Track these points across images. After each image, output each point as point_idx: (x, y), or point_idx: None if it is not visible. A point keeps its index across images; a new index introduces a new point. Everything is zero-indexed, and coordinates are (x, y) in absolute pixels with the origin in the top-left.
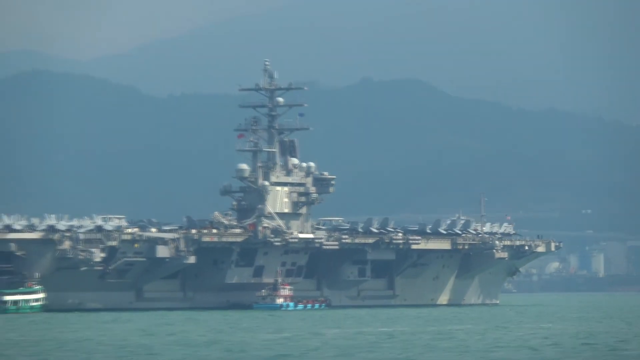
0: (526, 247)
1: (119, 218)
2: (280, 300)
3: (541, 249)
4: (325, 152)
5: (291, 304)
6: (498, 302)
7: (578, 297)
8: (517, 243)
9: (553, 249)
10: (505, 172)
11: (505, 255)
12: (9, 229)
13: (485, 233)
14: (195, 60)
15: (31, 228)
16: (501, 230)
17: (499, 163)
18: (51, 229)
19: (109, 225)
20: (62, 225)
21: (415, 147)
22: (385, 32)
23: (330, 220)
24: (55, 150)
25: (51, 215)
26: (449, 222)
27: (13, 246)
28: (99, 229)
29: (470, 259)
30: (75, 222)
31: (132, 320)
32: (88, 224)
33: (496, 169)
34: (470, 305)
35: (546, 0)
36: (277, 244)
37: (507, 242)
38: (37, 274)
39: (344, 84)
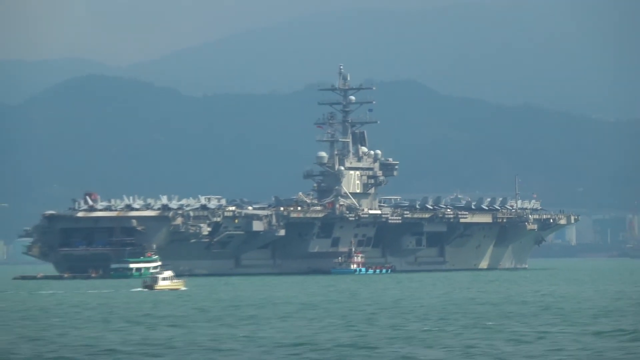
0: (551, 220)
1: (218, 198)
2: (354, 266)
3: (563, 221)
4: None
5: (363, 269)
6: (527, 266)
7: (565, 262)
8: (544, 217)
9: (572, 221)
10: (488, 159)
11: (535, 227)
12: (129, 207)
13: (519, 208)
14: (234, 63)
15: (148, 207)
16: (530, 206)
17: (483, 152)
18: (165, 207)
19: (212, 204)
20: (174, 204)
21: (413, 139)
22: (384, 39)
23: (390, 198)
24: (148, 141)
25: (163, 196)
26: (489, 199)
27: (134, 222)
28: (204, 207)
29: (506, 230)
30: (184, 202)
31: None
32: (194, 203)
33: (481, 157)
34: (506, 269)
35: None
36: (351, 218)
37: (537, 216)
38: (154, 245)
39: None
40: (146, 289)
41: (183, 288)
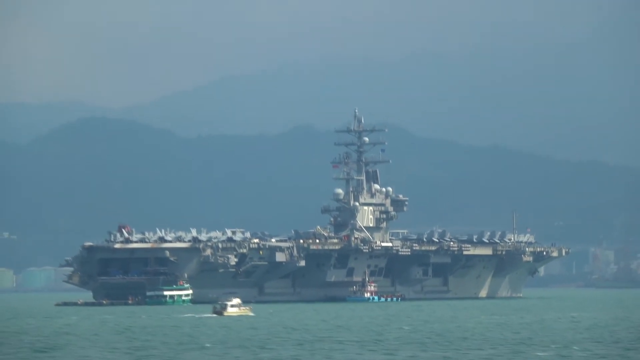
0: (545, 253)
1: (242, 231)
2: (367, 295)
3: (555, 254)
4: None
5: (375, 297)
6: (521, 295)
7: (541, 292)
8: (539, 249)
9: (564, 254)
10: (461, 195)
11: (530, 258)
12: (162, 239)
13: (516, 241)
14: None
15: (179, 239)
16: (525, 239)
17: (456, 188)
18: (195, 239)
19: (237, 237)
20: (203, 236)
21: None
22: (366, 83)
23: (398, 232)
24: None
25: (193, 229)
26: (489, 233)
27: (167, 253)
28: (231, 239)
29: (504, 262)
30: (212, 234)
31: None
32: (220, 235)
33: (455, 193)
34: (502, 297)
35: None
36: (365, 250)
37: (532, 249)
38: (185, 274)
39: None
40: (216, 315)
41: (251, 314)
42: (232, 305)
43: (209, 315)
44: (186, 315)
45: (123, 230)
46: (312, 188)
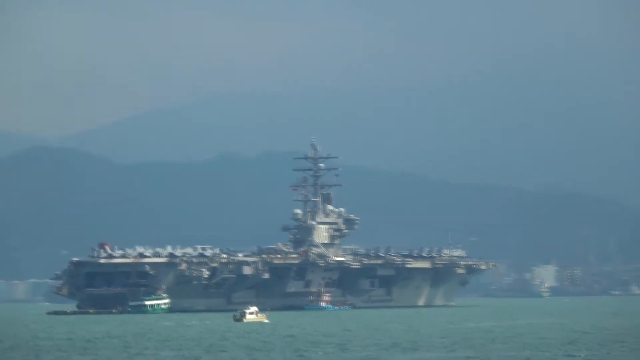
0: (475, 266)
1: (211, 247)
2: (323, 304)
3: (484, 267)
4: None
5: (330, 306)
6: (454, 304)
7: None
8: (470, 263)
9: (491, 267)
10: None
11: (463, 271)
12: (142, 255)
13: (451, 256)
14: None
15: (157, 255)
16: (457, 254)
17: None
18: (172, 255)
19: (207, 252)
20: (178, 252)
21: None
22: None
23: (347, 247)
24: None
25: (168, 246)
26: (427, 249)
27: (147, 267)
28: (202, 255)
29: (439, 274)
30: (185, 250)
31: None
32: (192, 251)
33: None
34: (438, 306)
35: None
36: (321, 264)
37: (465, 262)
38: (163, 286)
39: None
40: (236, 322)
41: (266, 321)
42: (250, 313)
43: (230, 322)
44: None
45: (106, 247)
46: (243, 208)
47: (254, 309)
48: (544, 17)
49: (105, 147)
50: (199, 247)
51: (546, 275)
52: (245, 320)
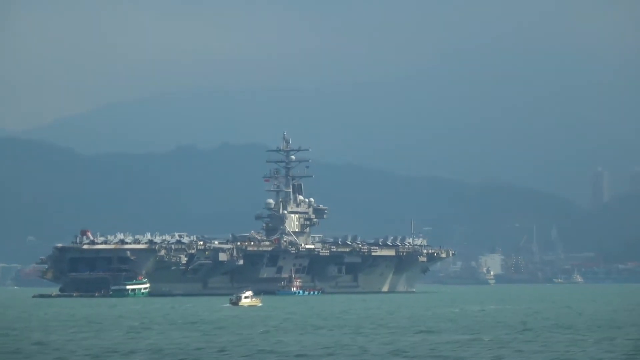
0: (435, 254)
1: (187, 235)
2: (294, 289)
3: (444, 255)
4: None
5: (300, 291)
6: (415, 290)
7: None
8: (431, 251)
9: (450, 255)
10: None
11: (425, 259)
12: (122, 242)
13: (414, 244)
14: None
15: (137, 241)
16: (419, 243)
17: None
18: (151, 242)
19: (185, 239)
20: (157, 239)
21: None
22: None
23: (314, 236)
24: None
25: (147, 233)
26: (392, 237)
27: (128, 253)
28: (180, 242)
29: (403, 262)
30: (164, 237)
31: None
32: (170, 238)
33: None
34: (400, 292)
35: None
36: (292, 251)
37: (426, 251)
38: (143, 271)
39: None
40: (232, 305)
41: (260, 304)
42: (245, 297)
43: (226, 305)
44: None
45: (89, 233)
46: (200, 196)
47: (249, 293)
48: (493, 13)
49: (68, 139)
50: (176, 234)
51: (492, 264)
52: (240, 304)
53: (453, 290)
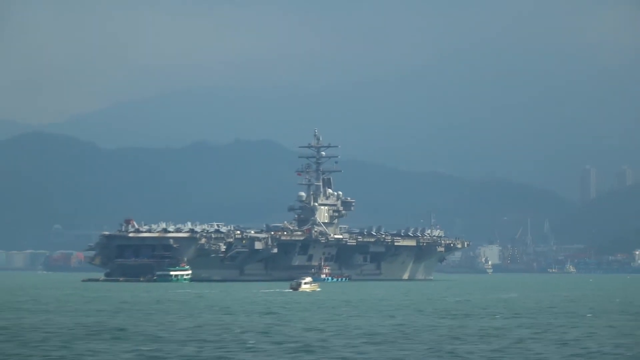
0: (452, 245)
1: (224, 225)
2: (323, 276)
3: (459, 245)
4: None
5: (329, 278)
6: (432, 278)
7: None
8: (448, 242)
9: (465, 246)
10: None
11: (443, 249)
12: (165, 230)
13: (432, 235)
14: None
15: (179, 230)
16: (436, 234)
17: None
18: (192, 231)
19: (223, 229)
20: (198, 228)
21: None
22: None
23: (342, 227)
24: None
25: (188, 222)
26: (412, 229)
27: (171, 241)
28: (218, 231)
29: (422, 251)
30: (204, 226)
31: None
32: (208, 227)
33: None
34: (420, 279)
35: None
36: (322, 241)
37: (444, 241)
38: (185, 258)
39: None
40: (292, 290)
41: (318, 289)
42: (305, 283)
43: (287, 290)
44: (268, 291)
45: (132, 222)
46: (216, 188)
47: (308, 279)
48: (490, 13)
49: (89, 134)
50: (215, 223)
51: (490, 254)
52: (301, 289)
53: (462, 279)
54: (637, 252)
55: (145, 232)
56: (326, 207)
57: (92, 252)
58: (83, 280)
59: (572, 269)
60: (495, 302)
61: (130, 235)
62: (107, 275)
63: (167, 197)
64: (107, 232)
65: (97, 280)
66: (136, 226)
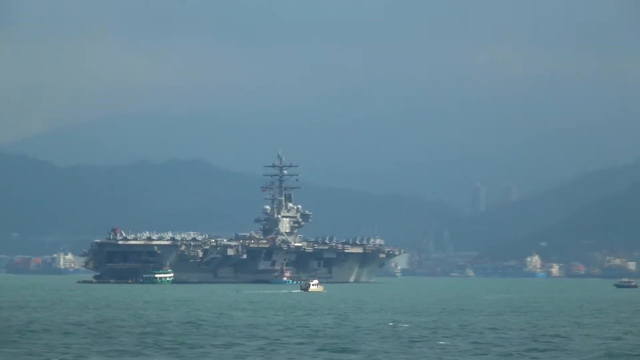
0: (392, 252)
1: (200, 234)
2: (285, 279)
3: (397, 253)
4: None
5: (290, 280)
6: (374, 280)
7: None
8: (389, 249)
9: (402, 253)
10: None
11: (384, 255)
12: (149, 238)
13: (376, 244)
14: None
15: (162, 238)
16: (378, 242)
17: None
18: (173, 239)
19: (199, 237)
20: (178, 236)
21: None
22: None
23: (299, 236)
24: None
25: (168, 232)
26: (359, 238)
27: (156, 248)
28: (195, 239)
29: (366, 257)
30: (183, 235)
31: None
32: (187, 236)
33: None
34: (364, 282)
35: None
36: (284, 248)
37: (386, 249)
38: (168, 263)
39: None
40: (302, 291)
41: (324, 291)
42: (313, 284)
43: (297, 291)
44: (283, 291)
45: (120, 231)
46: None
47: (315, 281)
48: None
49: (45, 152)
50: (191, 233)
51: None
52: (309, 290)
53: (397, 281)
54: (528, 259)
55: (132, 240)
56: (288, 219)
57: (86, 257)
58: (78, 282)
59: (471, 273)
60: (500, 302)
61: (120, 242)
62: (96, 277)
63: (116, 208)
64: (98, 240)
65: (91, 282)
66: (123, 235)
